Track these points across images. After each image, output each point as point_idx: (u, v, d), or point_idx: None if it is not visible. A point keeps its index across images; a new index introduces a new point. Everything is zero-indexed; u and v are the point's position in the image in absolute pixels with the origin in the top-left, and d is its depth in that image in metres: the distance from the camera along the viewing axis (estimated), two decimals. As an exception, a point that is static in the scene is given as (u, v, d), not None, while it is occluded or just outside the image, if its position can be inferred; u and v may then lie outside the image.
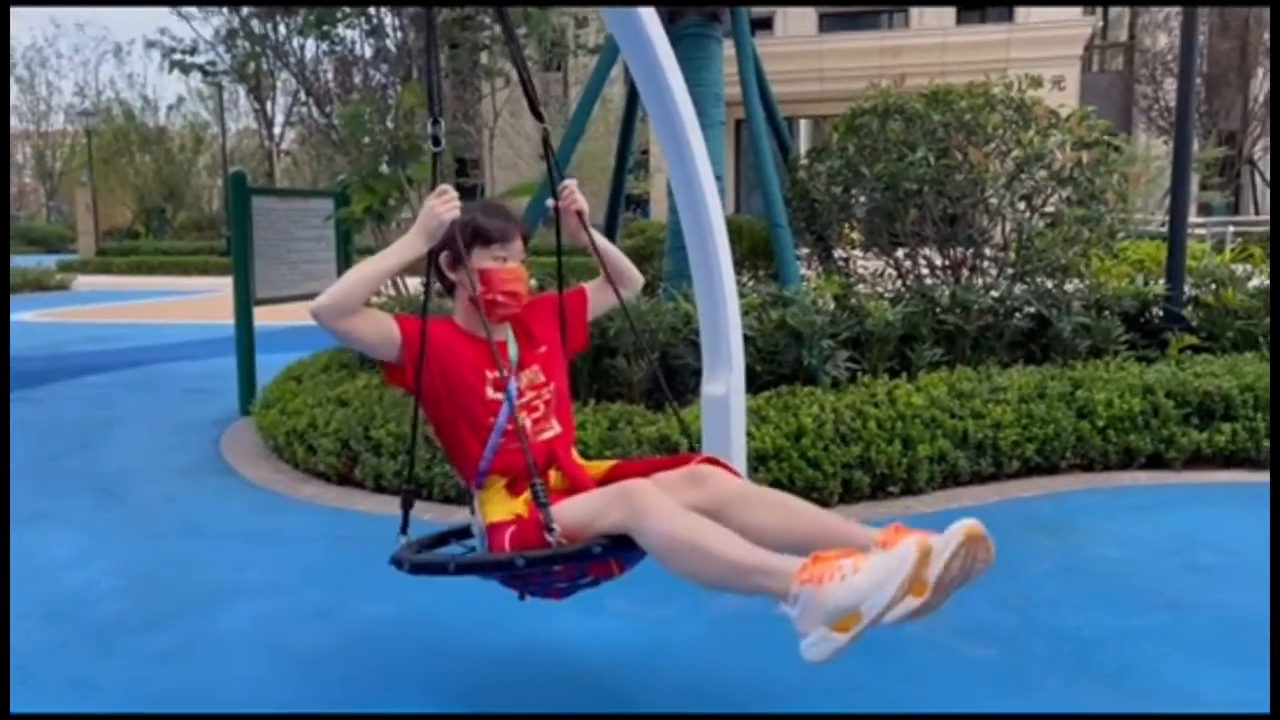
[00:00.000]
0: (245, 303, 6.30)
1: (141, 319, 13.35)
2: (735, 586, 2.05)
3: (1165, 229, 6.13)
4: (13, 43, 36.01)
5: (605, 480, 2.43)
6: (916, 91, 6.15)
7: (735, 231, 6.10)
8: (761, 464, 4.22)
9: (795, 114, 21.01)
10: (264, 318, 6.54)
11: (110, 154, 32.11)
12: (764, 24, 26.34)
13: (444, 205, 2.37)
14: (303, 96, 8.99)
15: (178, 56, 8.18)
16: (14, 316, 13.35)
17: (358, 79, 8.18)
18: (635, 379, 4.89)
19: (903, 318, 5.20)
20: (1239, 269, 6.13)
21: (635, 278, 2.86)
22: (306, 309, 2.37)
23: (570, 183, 2.67)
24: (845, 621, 1.86)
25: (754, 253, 6.76)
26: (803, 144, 20.59)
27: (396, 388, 2.48)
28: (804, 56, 21.67)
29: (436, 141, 2.46)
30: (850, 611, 1.85)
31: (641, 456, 2.69)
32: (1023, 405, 4.78)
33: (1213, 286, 5.92)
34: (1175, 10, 22.97)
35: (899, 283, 6.32)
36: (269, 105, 28.49)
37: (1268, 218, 20.22)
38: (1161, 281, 5.85)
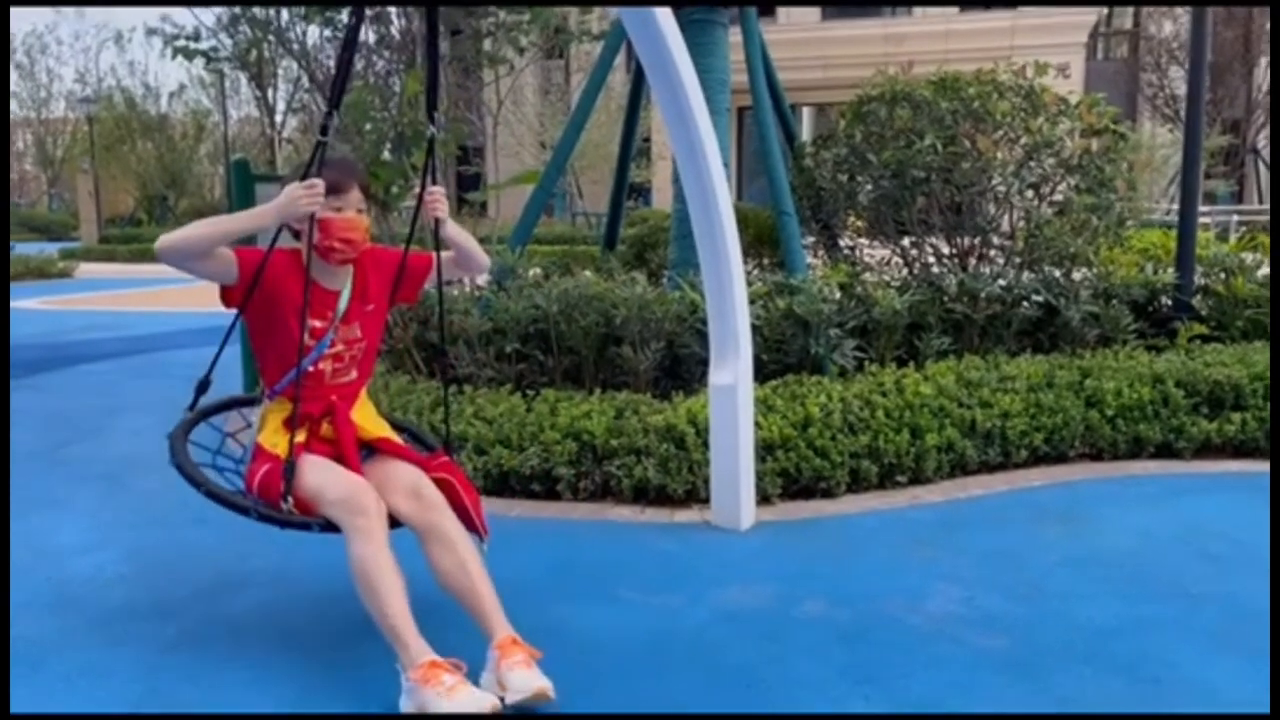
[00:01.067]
0: (249, 290, 6.27)
1: (144, 306, 13.33)
2: (381, 628, 2.52)
3: (1170, 217, 6.10)
4: (12, 29, 35.87)
5: (370, 447, 2.86)
6: (924, 78, 6.11)
7: (741, 219, 6.05)
8: (769, 453, 4.21)
9: (799, 101, 20.94)
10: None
11: (112, 141, 32.02)
12: (767, 11, 26.21)
13: (308, 197, 2.63)
14: (305, 83, 8.95)
15: (180, 43, 8.14)
16: (16, 304, 13.33)
17: (360, 65, 8.14)
18: (641, 368, 4.87)
19: (910, 306, 5.17)
20: (1248, 258, 6.10)
21: (482, 262, 3.16)
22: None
23: (437, 190, 2.95)
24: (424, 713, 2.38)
25: (759, 241, 6.72)
26: (806, 131, 20.53)
27: (227, 307, 2.83)
28: (807, 44, 21.59)
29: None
30: (429, 712, 2.37)
31: (404, 445, 3.04)
32: (1031, 394, 4.76)
33: (1222, 275, 5.89)
34: (1181, -3, 22.85)
35: (906, 271, 6.29)
36: (270, 92, 28.42)
37: (1270, 207, 20.16)
38: (1170, 270, 5.82)
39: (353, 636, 2.95)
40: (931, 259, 6.27)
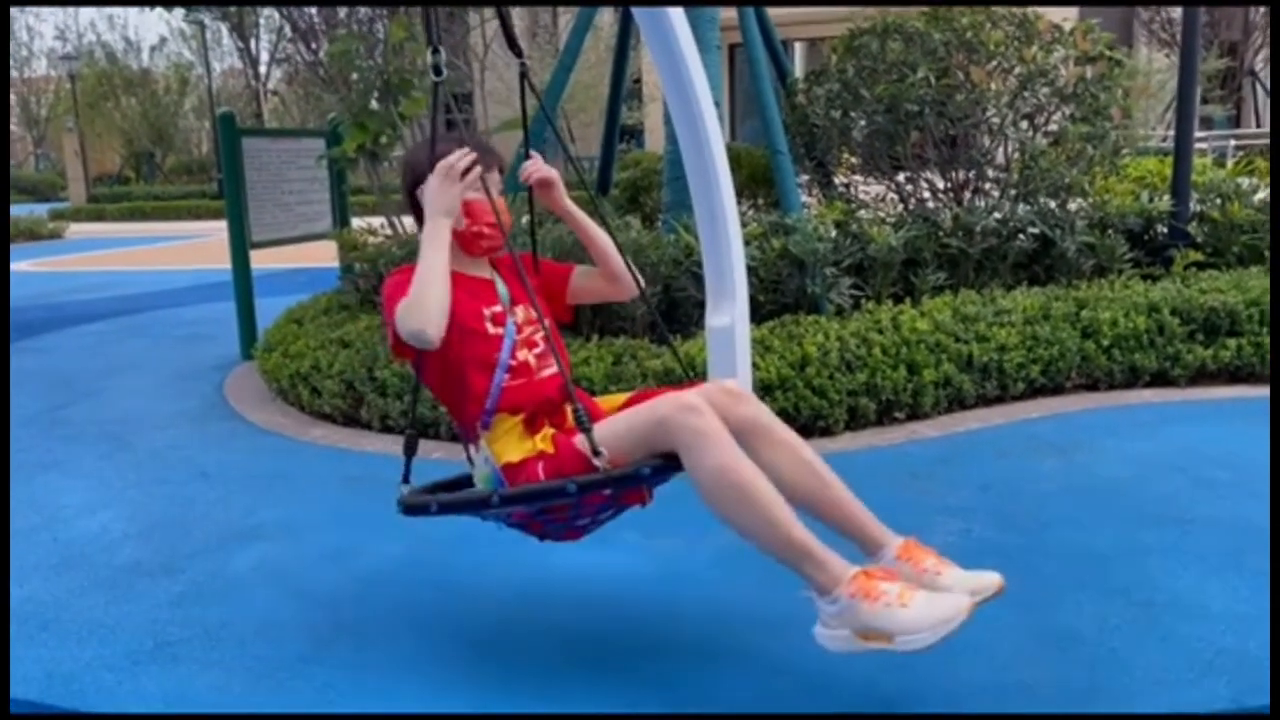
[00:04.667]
0: (241, 246, 6.24)
1: (136, 266, 13.26)
2: (772, 552, 2.08)
3: (1167, 144, 6.04)
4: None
5: (622, 410, 2.37)
6: (916, 9, 6.01)
7: (734, 159, 6.00)
8: (767, 394, 4.22)
9: (790, 36, 20.62)
10: (260, 261, 6.48)
11: (95, 98, 31.60)
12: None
13: (466, 165, 2.29)
14: (288, 33, 8.81)
15: (158, -6, 7.99)
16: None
17: (344, 13, 8.00)
18: (638, 313, 4.86)
19: (905, 242, 5.15)
20: (1244, 182, 6.05)
21: (628, 283, 2.66)
22: (403, 333, 2.25)
23: (532, 160, 2.57)
24: (875, 637, 1.96)
25: (754, 181, 6.67)
26: (799, 67, 20.24)
27: (402, 358, 2.46)
28: (798, -24, 21.17)
29: (438, 71, 2.35)
30: (884, 634, 1.95)
31: (649, 389, 2.68)
32: (1027, 327, 4.76)
33: (1218, 201, 5.86)
34: (1177, -82, 22.38)
35: (901, 207, 6.25)
36: (253, 44, 27.98)
37: (1269, 130, 19.98)
38: (1166, 198, 5.79)
39: (359, 589, 2.99)
40: (926, 194, 6.23)
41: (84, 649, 2.65)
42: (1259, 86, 24.94)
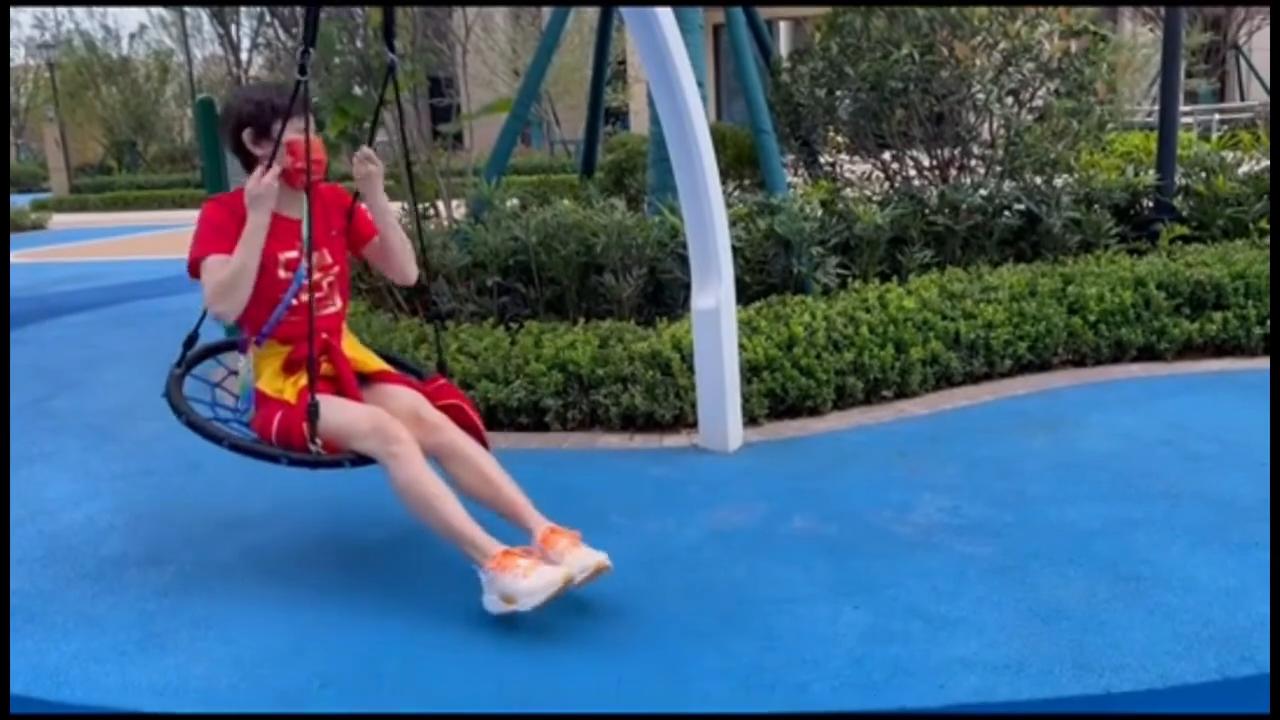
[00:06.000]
0: (224, 234, 6.18)
1: (121, 256, 13.17)
2: (447, 538, 2.64)
3: (1152, 119, 6.04)
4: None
5: (369, 380, 2.92)
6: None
7: (719, 140, 5.98)
8: (754, 375, 4.21)
9: (775, 16, 20.51)
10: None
11: (75, 87, 31.27)
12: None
13: (267, 174, 2.71)
14: (268, 18, 8.72)
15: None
16: (-10, 259, 13.15)
17: (324, -3, 7.91)
18: (624, 295, 4.85)
19: (892, 220, 5.14)
20: (1229, 156, 6.06)
21: (405, 267, 3.09)
22: (209, 309, 2.76)
23: (366, 151, 2.93)
24: (508, 599, 2.50)
25: (739, 161, 6.64)
26: (783, 46, 20.14)
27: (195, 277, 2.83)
28: (781, -45, 21.03)
29: (303, 70, 2.64)
30: (513, 597, 2.49)
31: (402, 374, 3.11)
32: (1014, 304, 4.77)
33: (1203, 175, 5.86)
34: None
35: (887, 185, 6.24)
36: (234, 30, 27.72)
37: (1254, 103, 20.00)
38: (1151, 172, 5.79)
39: (343, 573, 2.98)
40: (912, 172, 6.22)
41: (70, 641, 2.63)
42: (1243, 60, 24.94)
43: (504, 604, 2.51)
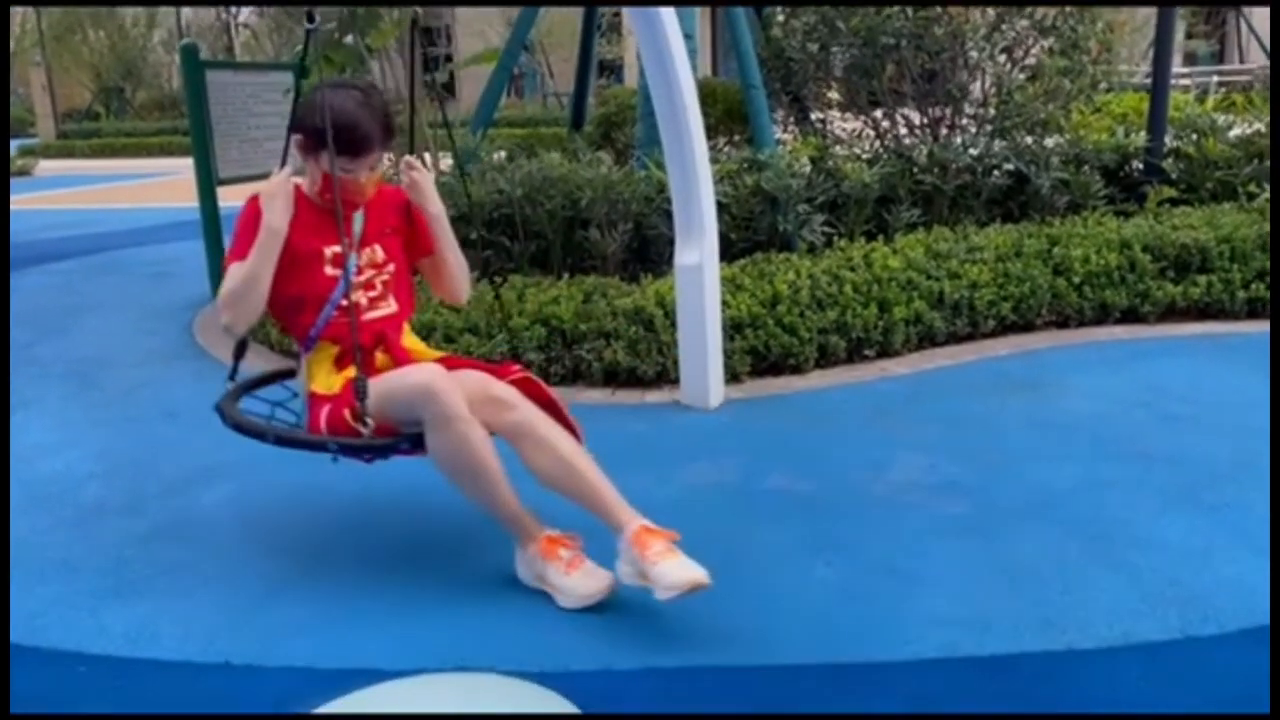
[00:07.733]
0: (208, 183, 6.12)
1: (107, 203, 13.04)
2: (490, 515, 2.52)
3: (1150, 81, 5.99)
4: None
5: None
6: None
7: (709, 95, 5.93)
8: (737, 332, 4.21)
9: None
10: (229, 198, 6.37)
11: (62, 31, 30.74)
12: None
13: (282, 198, 2.51)
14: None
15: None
16: (-25, 205, 13.01)
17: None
18: (609, 251, 4.83)
19: (880, 179, 5.11)
20: (1221, 118, 6.02)
21: (457, 292, 2.88)
22: (220, 317, 2.57)
23: (408, 160, 2.70)
24: (547, 586, 2.46)
25: (729, 117, 6.57)
26: (780, 1, 19.83)
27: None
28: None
29: (310, 19, 2.51)
30: (553, 587, 2.45)
31: (470, 358, 2.99)
32: (999, 264, 4.76)
33: (1194, 137, 5.83)
34: None
35: (877, 143, 6.19)
36: (223, -26, 27.21)
37: (1253, 66, 19.84)
38: (1142, 134, 5.75)
39: (321, 520, 3.00)
40: (903, 130, 6.17)
41: (47, 587, 2.65)
42: (1243, 22, 24.69)
43: (539, 582, 2.47)
